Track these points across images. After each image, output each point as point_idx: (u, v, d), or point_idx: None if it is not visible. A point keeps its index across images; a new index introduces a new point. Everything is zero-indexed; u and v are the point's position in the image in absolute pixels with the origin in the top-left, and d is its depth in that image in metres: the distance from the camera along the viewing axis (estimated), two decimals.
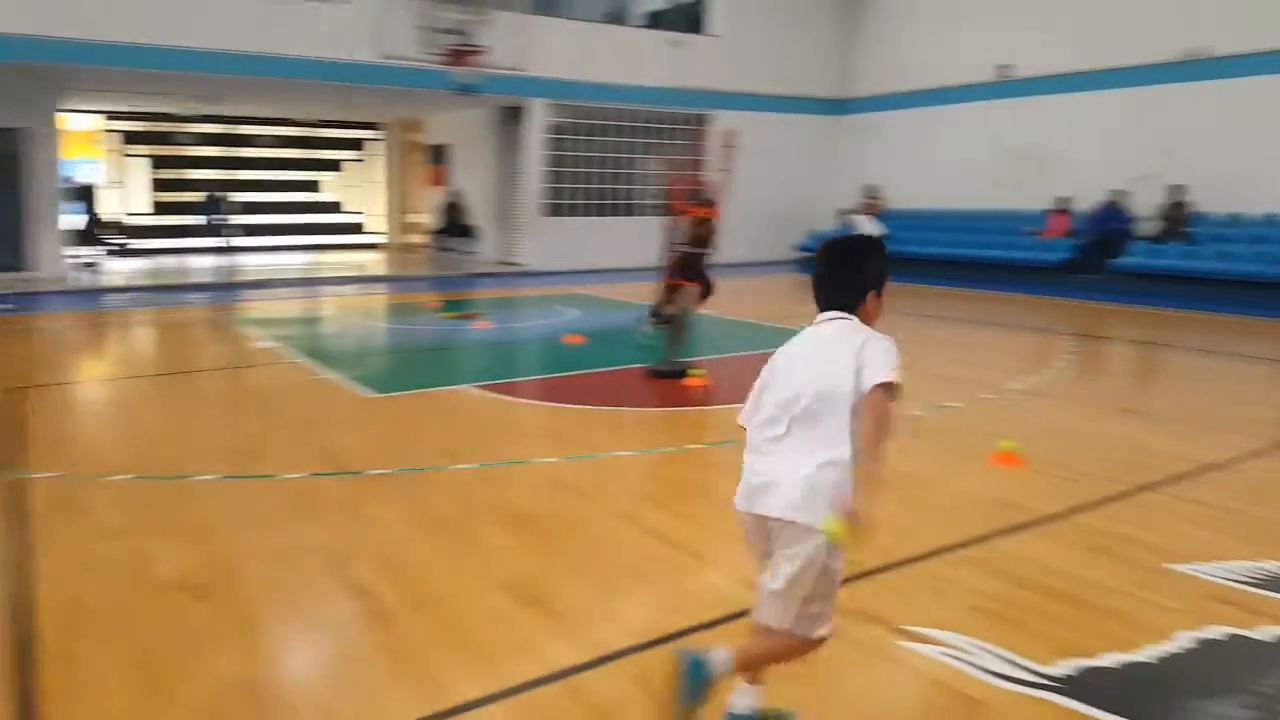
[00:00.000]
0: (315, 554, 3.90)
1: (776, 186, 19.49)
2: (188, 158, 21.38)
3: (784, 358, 2.59)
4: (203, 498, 4.62)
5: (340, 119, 22.36)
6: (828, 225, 19.49)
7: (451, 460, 5.27)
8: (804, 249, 19.01)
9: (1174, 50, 14.11)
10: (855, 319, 2.51)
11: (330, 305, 13.46)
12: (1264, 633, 3.15)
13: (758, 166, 18.07)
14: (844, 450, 2.32)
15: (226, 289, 14.83)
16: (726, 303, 12.75)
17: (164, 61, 13.64)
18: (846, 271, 2.62)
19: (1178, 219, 13.56)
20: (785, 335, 2.30)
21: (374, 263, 20.03)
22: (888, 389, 2.30)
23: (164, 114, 20.00)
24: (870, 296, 2.54)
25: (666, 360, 7.83)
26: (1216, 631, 3.16)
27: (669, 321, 7.81)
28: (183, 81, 15.10)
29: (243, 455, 5.39)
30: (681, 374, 7.55)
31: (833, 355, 2.41)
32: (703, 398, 6.94)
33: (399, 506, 4.49)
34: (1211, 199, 13.61)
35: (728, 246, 16.07)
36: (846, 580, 3.54)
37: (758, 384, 2.66)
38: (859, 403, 2.32)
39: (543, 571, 3.71)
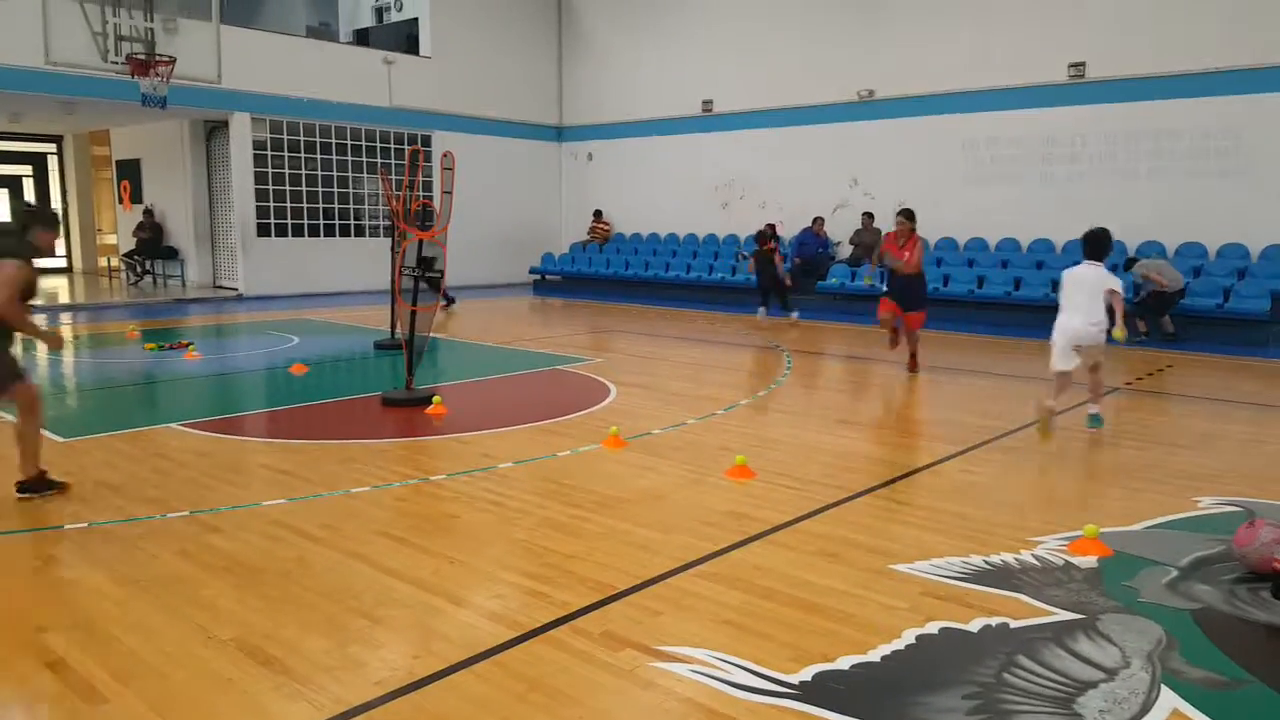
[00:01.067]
0: None
1: (506, 210, 19.60)
2: None
3: (1071, 278, 6.48)
4: None
5: (10, 130, 19.62)
6: (560, 249, 19.86)
7: (158, 509, 4.69)
8: (538, 272, 19.20)
9: (852, 92, 15.78)
10: (1102, 264, 6.44)
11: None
12: (977, 624, 3.44)
13: (485, 190, 18.08)
14: (1104, 315, 6.34)
15: None
16: (466, 327, 12.56)
17: None
18: (1101, 244, 6.50)
19: (869, 244, 15.08)
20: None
21: (61, 288, 17.72)
22: (1118, 291, 6.37)
23: None
24: (1106, 256, 6.54)
25: (405, 388, 7.52)
26: (936, 627, 3.41)
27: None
28: None
29: None
30: (423, 401, 7.28)
31: (1099, 282, 6.33)
32: (443, 426, 6.72)
33: (98, 565, 3.94)
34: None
35: (464, 270, 15.91)
36: (600, 604, 3.56)
37: (1062, 288, 6.59)
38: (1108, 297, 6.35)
39: (272, 626, 3.36)
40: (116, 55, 12.57)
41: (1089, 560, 4.10)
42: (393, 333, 10.69)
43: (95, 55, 12.44)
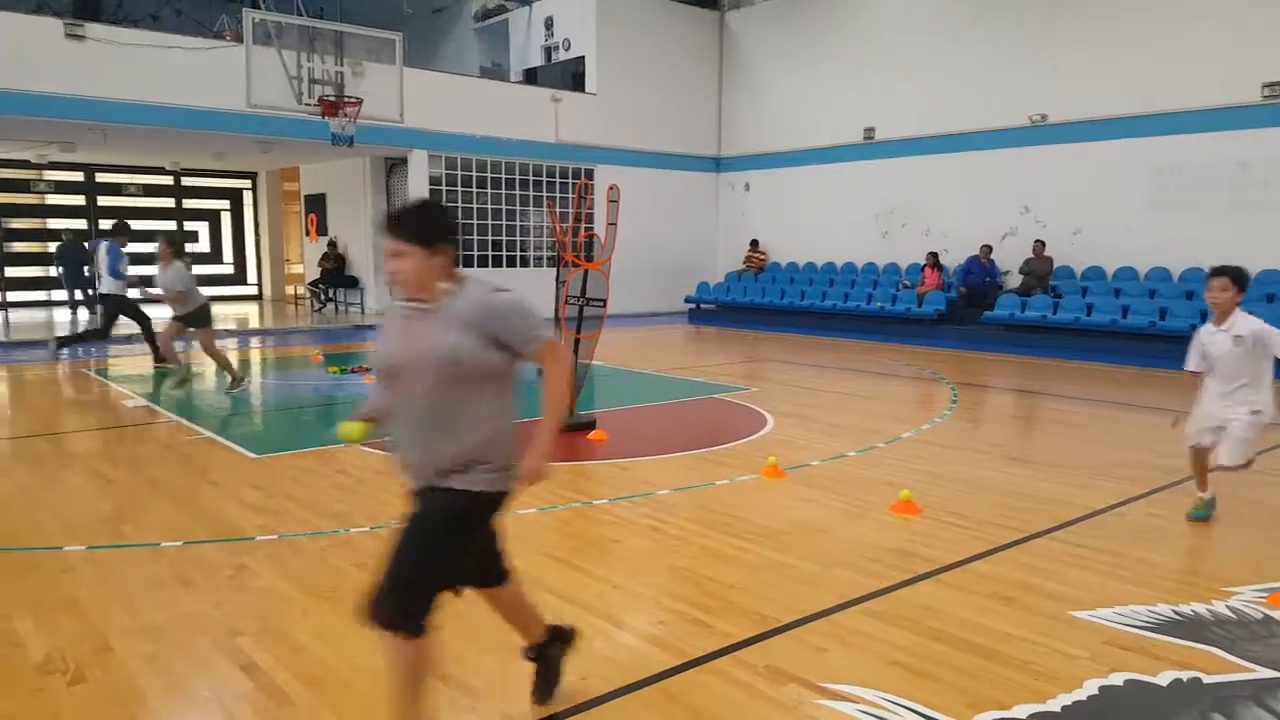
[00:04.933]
0: (199, 628, 3.63)
1: (664, 240, 19.87)
2: (44, 206, 20.29)
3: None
4: (72, 570, 4.28)
5: (212, 168, 21.59)
6: (715, 278, 19.96)
7: (341, 523, 5.01)
8: (693, 300, 19.35)
9: (1022, 116, 15.13)
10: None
11: (206, 360, 12.76)
12: (1166, 678, 3.22)
13: (644, 221, 18.39)
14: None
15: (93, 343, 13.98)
16: (624, 354, 12.79)
17: (10, 106, 13.03)
18: None
19: (1041, 273, 14.39)
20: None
21: (253, 314, 19.26)
22: None
23: (14, 160, 18.77)
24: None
25: (568, 413, 7.73)
26: (1121, 678, 3.21)
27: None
28: (32, 127, 14.37)
29: (115, 523, 5.05)
30: (585, 427, 7.47)
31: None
32: (603, 451, 6.86)
33: (288, 575, 4.23)
34: (1069, 253, 14.56)
35: (623, 299, 16.27)
36: (762, 637, 3.52)
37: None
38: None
39: (445, 640, 3.51)
40: (309, 98, 13.60)
41: None
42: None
43: (290, 98, 13.50)
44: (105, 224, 20.81)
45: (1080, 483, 5.93)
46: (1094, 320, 13.01)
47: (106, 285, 10.49)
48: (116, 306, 10.50)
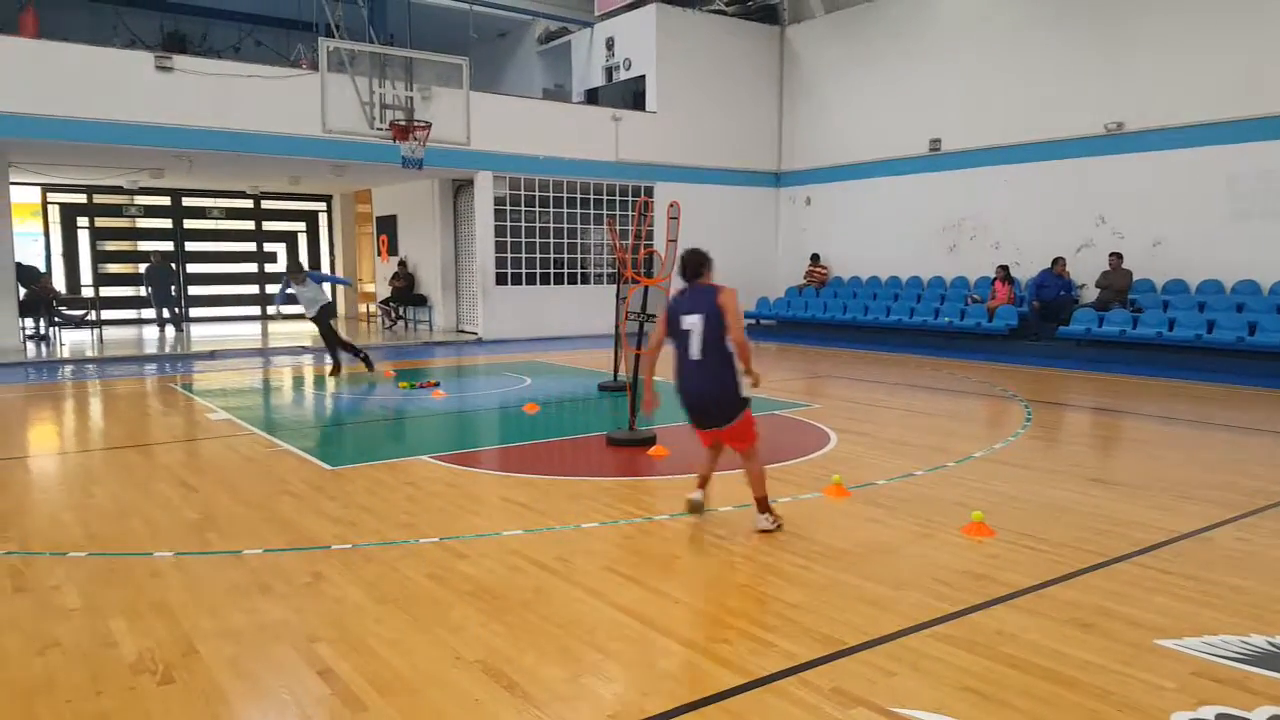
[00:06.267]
0: (279, 634, 3.74)
1: (724, 256, 19.55)
2: (134, 229, 21.20)
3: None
4: (161, 575, 4.46)
5: (290, 192, 22.27)
6: (775, 293, 19.81)
7: (412, 534, 5.09)
8: (752, 316, 19.22)
9: (1098, 124, 14.71)
10: None
11: (285, 375, 13.18)
12: (1263, 714, 3.04)
13: (704, 237, 18.30)
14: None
15: (178, 360, 14.55)
16: None
17: (106, 135, 13.72)
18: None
19: (1119, 286, 13.94)
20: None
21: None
22: None
23: (108, 186, 19.65)
24: None
25: (628, 429, 7.73)
26: (1212, 713, 3.05)
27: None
28: (125, 155, 15.07)
29: (200, 530, 5.23)
30: (645, 442, 7.46)
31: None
32: (664, 467, 6.83)
33: (360, 583, 4.32)
34: (1149, 266, 14.08)
35: None
36: (829, 658, 3.45)
37: None
38: None
39: (513, 652, 3.53)
40: (381, 122, 13.96)
41: None
42: (615, 375, 11.04)
43: (363, 123, 13.89)
44: (192, 246, 21.71)
45: (1163, 505, 5.70)
46: (1177, 335, 12.55)
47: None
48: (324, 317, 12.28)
